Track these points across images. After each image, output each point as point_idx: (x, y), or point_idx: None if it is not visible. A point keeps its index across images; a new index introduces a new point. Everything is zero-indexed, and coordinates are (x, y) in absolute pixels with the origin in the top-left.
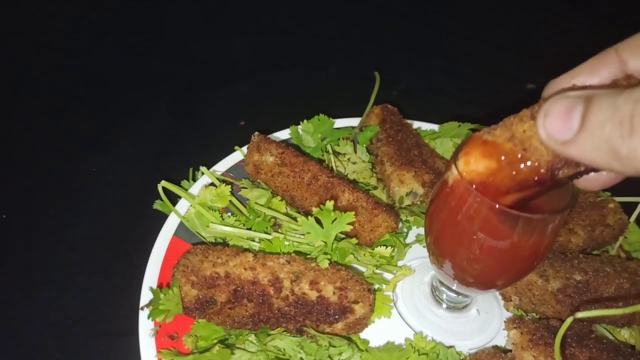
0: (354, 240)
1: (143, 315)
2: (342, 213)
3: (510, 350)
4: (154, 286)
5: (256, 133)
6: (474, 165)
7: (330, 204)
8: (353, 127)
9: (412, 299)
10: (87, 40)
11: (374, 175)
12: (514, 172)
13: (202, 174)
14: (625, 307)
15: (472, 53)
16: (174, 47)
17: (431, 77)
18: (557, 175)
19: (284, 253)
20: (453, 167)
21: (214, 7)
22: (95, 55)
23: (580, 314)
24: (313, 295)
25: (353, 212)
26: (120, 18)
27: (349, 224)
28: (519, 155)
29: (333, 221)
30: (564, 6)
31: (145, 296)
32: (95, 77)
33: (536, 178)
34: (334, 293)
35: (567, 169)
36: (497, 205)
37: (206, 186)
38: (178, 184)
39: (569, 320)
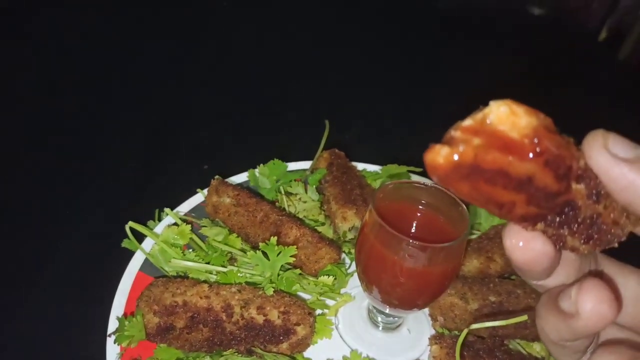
0: (298, 271)
1: (110, 341)
2: (286, 247)
3: None
4: (121, 316)
5: (216, 177)
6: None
7: (274, 239)
8: (305, 170)
9: (352, 322)
10: (53, 84)
11: (322, 212)
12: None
13: (167, 214)
14: (508, 320)
15: (422, 97)
16: (142, 94)
17: (382, 122)
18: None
19: (236, 283)
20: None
21: (180, 55)
22: (62, 100)
23: (474, 326)
24: (260, 319)
25: (295, 246)
26: (87, 62)
27: (292, 256)
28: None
29: (278, 254)
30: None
31: (113, 325)
32: (62, 121)
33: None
34: (278, 317)
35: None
36: (400, 236)
37: (169, 225)
38: (145, 224)
39: (465, 331)
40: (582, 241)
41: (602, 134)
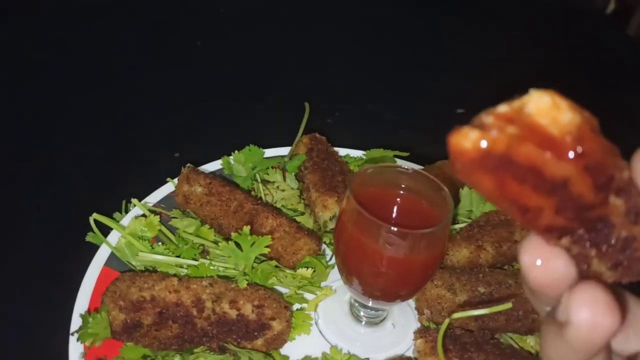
0: (274, 263)
1: (73, 340)
2: (260, 237)
3: (417, 359)
4: (84, 313)
5: (189, 165)
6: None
7: (247, 229)
8: (283, 156)
9: (333, 317)
10: (24, 71)
11: (302, 201)
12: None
13: (134, 205)
14: (491, 307)
15: (406, 79)
16: (113, 80)
17: (366, 105)
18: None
19: (208, 277)
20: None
21: (153, 39)
22: (31, 87)
23: (455, 315)
24: (233, 313)
25: (270, 236)
26: (51, 46)
27: (268, 246)
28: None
29: (252, 244)
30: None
31: (76, 323)
32: (30, 108)
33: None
34: (252, 311)
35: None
36: (379, 222)
37: (137, 217)
38: (113, 216)
39: (447, 321)
40: (608, 266)
41: None
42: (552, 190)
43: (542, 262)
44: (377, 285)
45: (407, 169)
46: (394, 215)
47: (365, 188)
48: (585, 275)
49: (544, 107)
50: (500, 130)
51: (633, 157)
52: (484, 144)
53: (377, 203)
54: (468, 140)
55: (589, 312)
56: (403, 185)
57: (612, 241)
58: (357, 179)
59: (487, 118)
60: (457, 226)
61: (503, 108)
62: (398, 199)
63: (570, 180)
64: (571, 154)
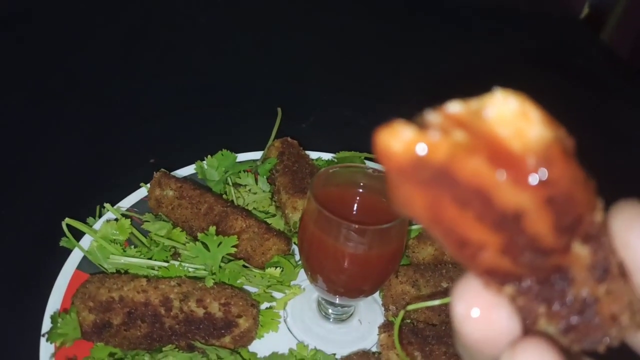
0: (241, 262)
1: (44, 341)
2: (227, 237)
3: (380, 352)
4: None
5: (162, 170)
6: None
7: (212, 229)
8: (256, 160)
9: (301, 314)
10: None
11: (273, 204)
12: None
13: (107, 210)
14: (443, 299)
15: (381, 85)
16: (87, 86)
17: (342, 110)
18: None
19: (176, 277)
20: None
21: (128, 48)
22: (3, 94)
23: (410, 307)
24: (200, 312)
25: (236, 236)
26: (25, 52)
27: (235, 246)
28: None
29: (218, 244)
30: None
31: (47, 325)
32: (2, 115)
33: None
34: (219, 309)
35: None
36: (337, 220)
37: (109, 221)
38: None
39: (402, 313)
40: (560, 330)
41: None
42: (501, 223)
43: (481, 313)
44: (340, 281)
45: (367, 168)
46: (353, 213)
47: (326, 188)
48: (529, 330)
49: (508, 114)
50: (445, 134)
51: (610, 210)
52: (419, 148)
53: (337, 202)
54: (398, 140)
55: None
56: (364, 184)
57: (568, 300)
58: (318, 179)
59: (432, 116)
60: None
61: (456, 107)
62: (358, 198)
63: (526, 213)
64: (532, 180)
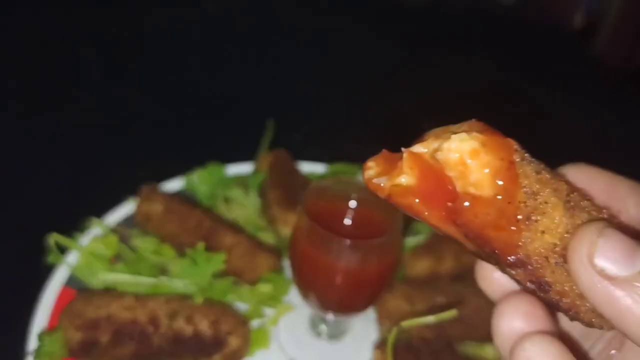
0: (231, 278)
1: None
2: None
3: None
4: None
5: (148, 183)
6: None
7: (202, 245)
8: (246, 174)
9: (293, 332)
10: None
11: (264, 218)
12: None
13: (94, 224)
14: (438, 315)
15: (375, 95)
16: (74, 98)
17: (335, 121)
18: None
19: (165, 294)
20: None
21: (119, 59)
22: None
23: (404, 323)
24: (189, 330)
25: (225, 252)
26: (18, 66)
27: (226, 262)
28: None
29: (208, 261)
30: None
31: (34, 343)
32: None
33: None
34: (208, 327)
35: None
36: (329, 234)
37: (96, 237)
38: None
39: (394, 330)
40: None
41: (589, 241)
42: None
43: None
44: (333, 297)
45: (359, 181)
46: (345, 227)
47: (318, 202)
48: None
49: (453, 160)
50: (390, 177)
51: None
52: (374, 184)
53: (329, 216)
54: (366, 173)
55: None
56: (356, 197)
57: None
58: (310, 193)
59: (403, 154)
60: (417, 237)
61: (418, 148)
62: (350, 212)
63: (459, 240)
64: (457, 220)
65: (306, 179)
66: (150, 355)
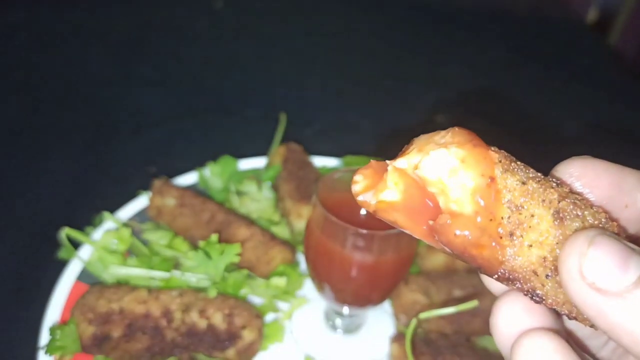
0: (245, 271)
1: (42, 354)
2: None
3: None
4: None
5: (161, 177)
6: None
7: (215, 237)
8: (259, 167)
9: (307, 326)
10: None
11: (277, 211)
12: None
13: (107, 219)
14: (457, 306)
15: (387, 89)
16: (87, 95)
17: (346, 115)
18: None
19: (178, 287)
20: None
21: (126, 55)
22: (5, 102)
23: (422, 315)
24: (203, 323)
25: (239, 244)
26: (27, 60)
27: (239, 255)
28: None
29: (221, 253)
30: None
31: (46, 337)
32: (3, 122)
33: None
34: (222, 320)
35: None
36: (345, 225)
37: (109, 231)
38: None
39: (413, 321)
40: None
41: (578, 251)
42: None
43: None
44: (348, 290)
45: None
46: (360, 218)
47: (332, 193)
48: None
49: (431, 178)
50: (375, 194)
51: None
52: (364, 198)
53: (344, 207)
54: (354, 187)
55: None
56: None
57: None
58: (323, 184)
59: (389, 167)
60: None
61: (401, 163)
62: None
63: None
64: (437, 237)
65: (319, 173)
66: (163, 349)
